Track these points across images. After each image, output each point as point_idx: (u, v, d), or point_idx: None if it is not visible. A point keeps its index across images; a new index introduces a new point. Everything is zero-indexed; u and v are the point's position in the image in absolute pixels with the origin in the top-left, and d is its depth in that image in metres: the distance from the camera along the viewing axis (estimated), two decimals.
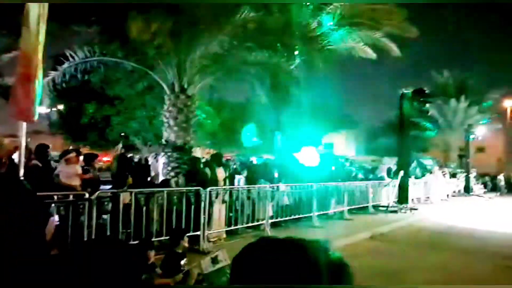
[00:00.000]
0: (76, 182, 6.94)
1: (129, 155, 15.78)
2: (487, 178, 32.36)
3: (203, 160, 10.29)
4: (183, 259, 5.31)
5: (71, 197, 6.02)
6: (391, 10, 13.31)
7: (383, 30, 13.98)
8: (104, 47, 10.25)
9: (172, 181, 8.81)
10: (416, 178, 19.35)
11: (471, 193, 26.14)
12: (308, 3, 12.77)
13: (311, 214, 10.82)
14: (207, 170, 8.59)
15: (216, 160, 9.39)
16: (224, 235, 8.37)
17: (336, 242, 8.88)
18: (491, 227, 12.72)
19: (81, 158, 7.92)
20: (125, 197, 6.84)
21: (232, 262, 0.99)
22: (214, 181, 8.31)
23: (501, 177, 33.24)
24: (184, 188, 7.94)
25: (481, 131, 30.79)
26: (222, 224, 8.19)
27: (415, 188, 17.82)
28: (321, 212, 11.37)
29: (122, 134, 19.87)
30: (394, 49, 15.01)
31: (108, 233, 6.39)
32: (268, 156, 19.69)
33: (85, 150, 19.07)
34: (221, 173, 8.79)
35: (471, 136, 28.38)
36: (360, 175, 16.17)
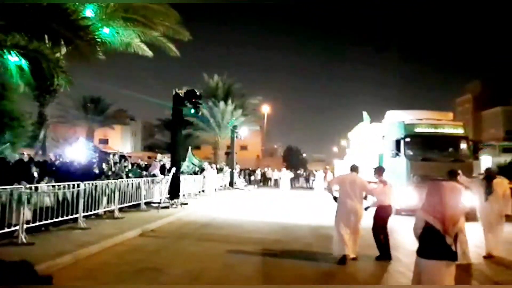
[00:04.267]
0: None
1: None
2: (247, 172, 36.85)
3: None
4: None
5: None
6: (164, 11, 13.64)
7: (158, 30, 14.22)
8: None
9: None
10: (189, 174, 20.48)
11: (234, 187, 29.29)
12: None
13: (77, 215, 10.09)
14: None
15: None
16: None
17: (103, 243, 8.57)
18: (249, 217, 14.56)
19: None
20: None
21: None
22: None
23: (258, 171, 38.44)
24: None
25: (244, 132, 34.78)
26: None
27: (186, 183, 18.81)
28: (90, 213, 10.77)
29: None
30: (173, 48, 15.45)
31: None
32: (27, 152, 17.36)
33: None
34: None
35: (236, 136, 31.77)
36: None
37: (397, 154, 15.45)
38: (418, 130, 15.58)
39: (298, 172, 43.71)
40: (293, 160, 64.08)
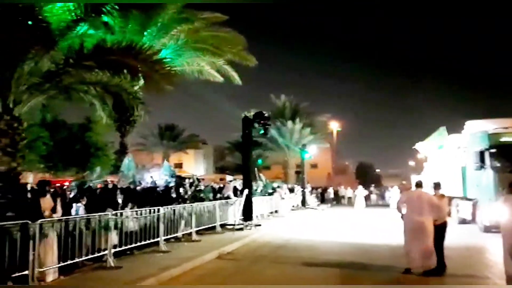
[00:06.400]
0: None
1: None
2: (318, 191, 36.27)
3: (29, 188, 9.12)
4: None
5: None
6: (231, 38, 14.19)
7: (225, 57, 14.78)
8: None
9: None
10: (259, 195, 20.61)
11: (307, 206, 28.92)
12: (152, 25, 12.78)
13: (158, 239, 10.53)
14: (35, 200, 7.64)
15: (41, 188, 8.34)
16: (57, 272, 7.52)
17: (184, 266, 8.82)
18: (324, 237, 14.24)
19: None
20: None
21: None
22: (40, 212, 7.42)
23: (330, 190, 37.69)
24: (7, 222, 6.91)
25: (313, 150, 34.48)
26: (56, 260, 7.36)
27: (259, 204, 18.92)
28: (169, 236, 11.17)
29: None
30: (236, 76, 15.96)
31: None
32: (112, 179, 18.57)
33: None
34: (47, 202, 7.87)
35: (306, 155, 31.55)
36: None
37: (482, 167, 14.40)
38: (504, 139, 14.42)
39: (371, 189, 42.17)
40: (366, 177, 62.11)
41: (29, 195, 8.83)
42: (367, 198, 36.71)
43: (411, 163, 71.99)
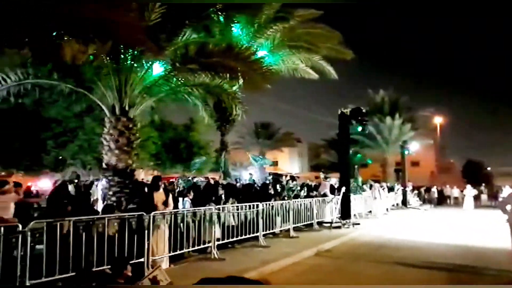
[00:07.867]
0: (9, 214, 6.55)
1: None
2: (421, 191, 34.19)
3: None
4: None
5: (1, 230, 5.61)
6: (325, 34, 14.05)
7: (320, 53, 14.66)
8: (38, 69, 9.86)
9: (115, 206, 8.52)
10: (356, 193, 20.07)
11: (408, 206, 27.46)
12: (249, 26, 13.21)
13: (257, 234, 10.84)
14: (149, 194, 8.38)
15: (154, 183, 9.06)
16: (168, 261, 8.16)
17: (283, 261, 8.98)
18: (428, 238, 13.42)
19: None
20: (63, 226, 6.51)
21: None
22: (154, 205, 8.11)
23: (434, 189, 35.30)
24: (126, 214, 7.68)
25: (414, 147, 32.58)
26: (166, 249, 7.99)
27: (357, 203, 18.47)
28: (267, 231, 11.43)
29: (60, 158, 18.96)
30: (332, 71, 15.74)
31: (44, 265, 6.02)
32: (213, 176, 19.59)
33: (18, 176, 17.99)
34: (160, 196, 8.56)
35: (406, 152, 29.96)
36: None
37: None
38: None
39: (480, 188, 38.53)
40: (475, 176, 56.96)
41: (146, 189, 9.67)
42: (476, 198, 33.59)
43: None
